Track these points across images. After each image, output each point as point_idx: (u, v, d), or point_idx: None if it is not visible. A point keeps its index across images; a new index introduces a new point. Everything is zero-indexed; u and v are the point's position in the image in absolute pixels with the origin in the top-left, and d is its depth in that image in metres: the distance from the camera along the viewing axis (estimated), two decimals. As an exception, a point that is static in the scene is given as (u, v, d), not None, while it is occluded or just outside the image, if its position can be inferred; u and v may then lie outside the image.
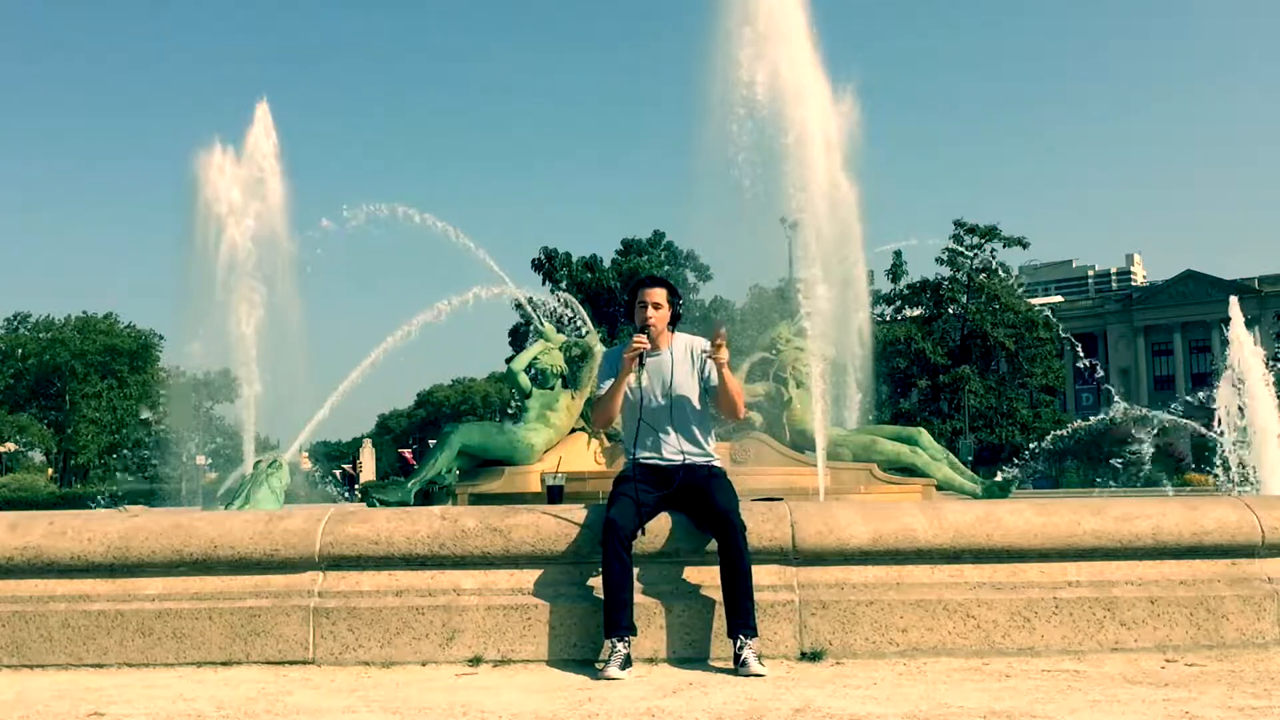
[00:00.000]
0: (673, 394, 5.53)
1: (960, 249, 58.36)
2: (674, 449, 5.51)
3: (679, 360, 5.58)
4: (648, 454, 5.52)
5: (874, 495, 12.51)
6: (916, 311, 61.91)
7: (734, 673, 4.91)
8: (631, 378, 5.53)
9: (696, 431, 5.57)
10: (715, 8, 14.30)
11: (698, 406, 5.58)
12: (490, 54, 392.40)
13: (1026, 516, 5.53)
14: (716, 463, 5.64)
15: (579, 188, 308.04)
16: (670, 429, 5.52)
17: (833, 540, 5.42)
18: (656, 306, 5.59)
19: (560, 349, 14.43)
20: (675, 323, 5.72)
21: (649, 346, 5.50)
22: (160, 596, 5.43)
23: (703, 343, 5.66)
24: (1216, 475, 14.38)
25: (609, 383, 5.58)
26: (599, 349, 14.74)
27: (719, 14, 14.17)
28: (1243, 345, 14.81)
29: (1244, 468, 13.99)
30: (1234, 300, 15.41)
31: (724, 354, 5.43)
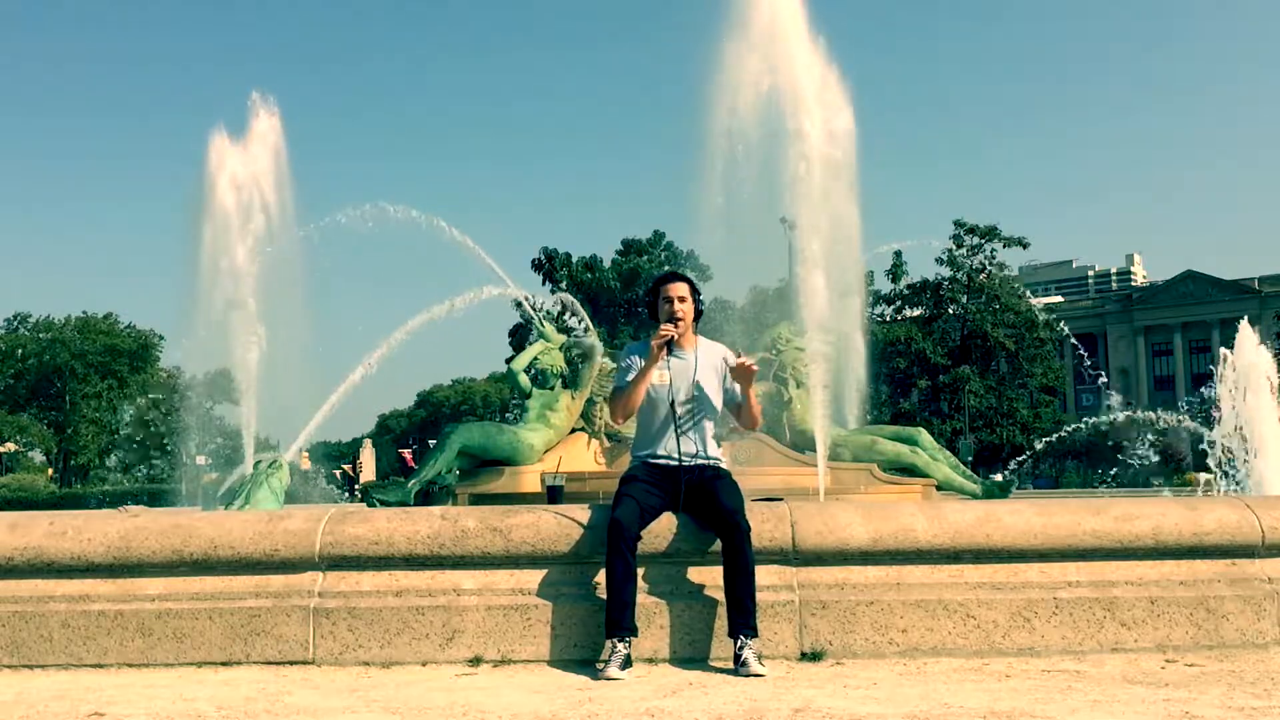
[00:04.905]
0: (694, 396, 5.53)
1: (960, 249, 58.36)
2: (686, 450, 5.50)
3: (704, 364, 5.58)
4: (659, 454, 5.52)
5: (874, 495, 12.53)
6: (916, 312, 61.89)
7: (734, 673, 4.91)
8: (656, 374, 5.53)
9: (708, 435, 5.59)
10: (715, 8, 14.31)
11: (715, 412, 5.61)
12: (490, 54, 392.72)
13: (1026, 516, 5.53)
14: (723, 464, 5.65)
15: (579, 188, 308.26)
16: (685, 430, 5.52)
17: (833, 540, 5.42)
18: (681, 300, 5.59)
19: (560, 349, 14.44)
20: (698, 319, 5.73)
21: (675, 335, 5.51)
22: (160, 597, 5.43)
23: (729, 353, 5.70)
24: (1216, 476, 14.38)
25: (632, 374, 5.55)
26: (599, 349, 14.75)
27: (718, 14, 14.18)
28: (1245, 349, 14.79)
29: (1236, 469, 13.99)
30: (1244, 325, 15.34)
31: (751, 376, 5.50)
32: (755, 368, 5.54)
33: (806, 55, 13.85)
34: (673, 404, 5.51)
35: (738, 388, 5.60)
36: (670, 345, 5.53)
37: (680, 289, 5.63)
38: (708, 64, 14.15)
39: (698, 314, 5.71)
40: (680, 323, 5.55)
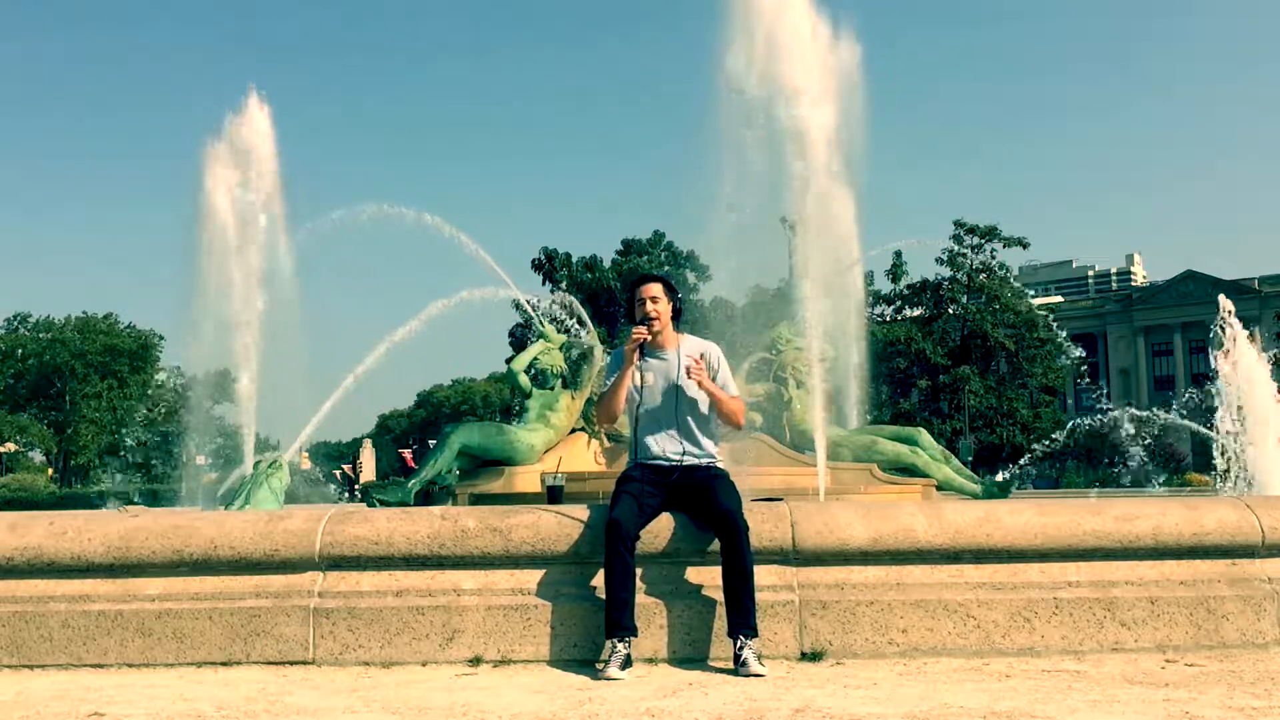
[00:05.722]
0: (678, 394, 5.52)
1: (960, 249, 58.31)
2: (677, 449, 5.50)
3: (685, 361, 5.57)
4: (652, 454, 5.51)
5: (874, 495, 12.52)
6: (917, 312, 61.88)
7: (734, 673, 4.91)
8: (638, 377, 5.53)
9: (700, 433, 5.57)
10: (716, 7, 14.30)
11: (703, 409, 5.58)
12: (490, 53, 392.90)
13: (1026, 516, 5.53)
14: (719, 463, 5.64)
15: (579, 188, 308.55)
16: (674, 429, 5.52)
17: (833, 540, 5.42)
18: (654, 300, 5.58)
19: (560, 349, 14.44)
20: (678, 318, 5.71)
21: (649, 337, 5.50)
22: (160, 597, 5.43)
23: (714, 350, 5.68)
24: (1216, 476, 14.37)
25: (614, 379, 5.57)
26: (599, 349, 14.75)
27: (719, 13, 14.17)
28: (1240, 345, 14.77)
29: (1243, 468, 13.97)
30: (1227, 303, 15.24)
31: (701, 375, 5.44)
32: (697, 375, 5.42)
33: (808, 52, 13.83)
34: (654, 405, 5.51)
35: (727, 385, 5.59)
36: (644, 347, 5.52)
37: (652, 289, 5.61)
38: (708, 62, 14.14)
39: (677, 312, 5.69)
40: (654, 323, 5.54)
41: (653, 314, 5.55)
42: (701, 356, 5.56)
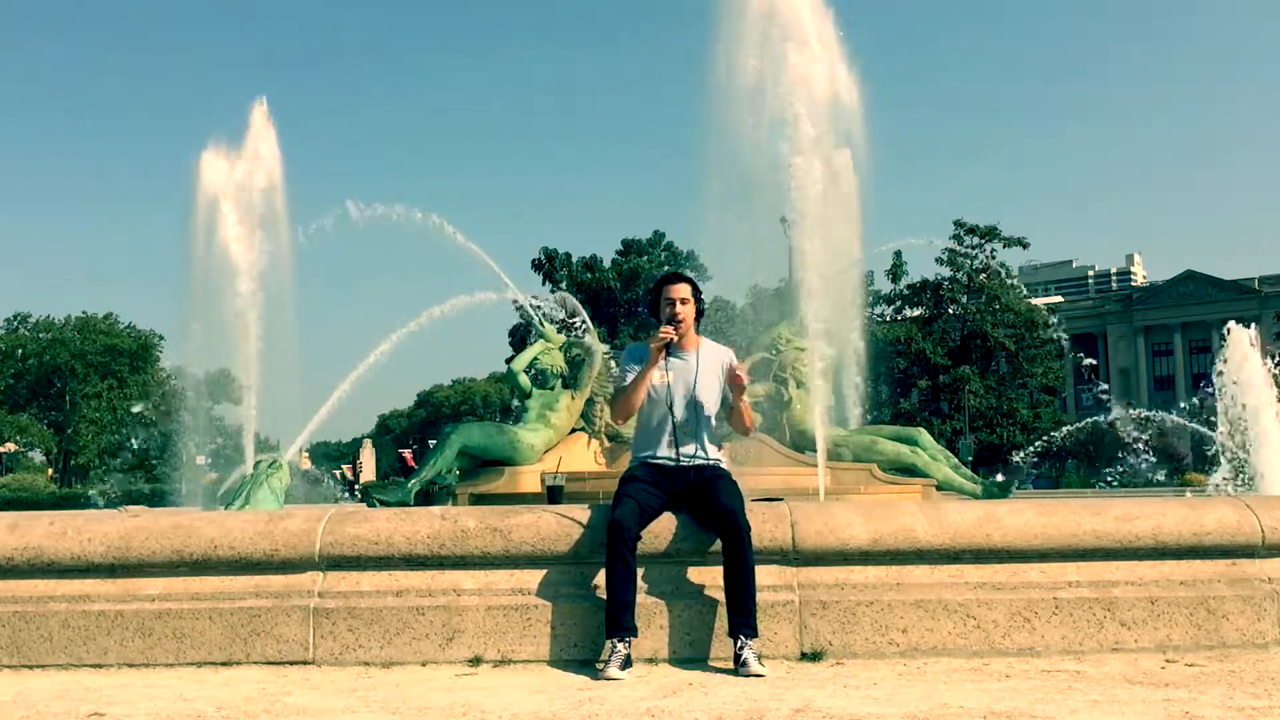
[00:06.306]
0: (694, 398, 5.53)
1: (960, 249, 58.36)
2: (686, 451, 5.50)
3: (704, 365, 5.58)
4: (659, 454, 5.51)
5: (874, 495, 12.52)
6: (917, 312, 61.92)
7: (734, 673, 4.91)
8: (656, 375, 5.53)
9: (707, 435, 5.59)
10: (718, 6, 14.30)
11: (714, 413, 5.61)
12: (490, 53, 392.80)
13: (1026, 517, 5.53)
14: (723, 464, 5.65)
15: (579, 188, 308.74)
16: (685, 431, 5.51)
17: (833, 540, 5.42)
18: (683, 302, 5.59)
19: (560, 349, 14.44)
20: (699, 320, 5.73)
21: (675, 337, 5.51)
22: (160, 597, 5.43)
23: (731, 355, 5.70)
24: (1213, 476, 14.37)
25: (632, 374, 5.55)
26: (599, 349, 14.75)
27: (721, 13, 14.17)
28: (1244, 347, 14.77)
29: (1244, 467, 13.97)
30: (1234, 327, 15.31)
31: (742, 388, 5.53)
32: (745, 380, 5.54)
33: (809, 54, 13.83)
34: (671, 405, 5.51)
35: (730, 392, 5.61)
36: (669, 347, 5.53)
37: (681, 290, 5.63)
38: (710, 62, 14.14)
39: (699, 314, 5.71)
40: (681, 325, 5.55)
41: (679, 316, 5.55)
42: (733, 366, 5.59)
